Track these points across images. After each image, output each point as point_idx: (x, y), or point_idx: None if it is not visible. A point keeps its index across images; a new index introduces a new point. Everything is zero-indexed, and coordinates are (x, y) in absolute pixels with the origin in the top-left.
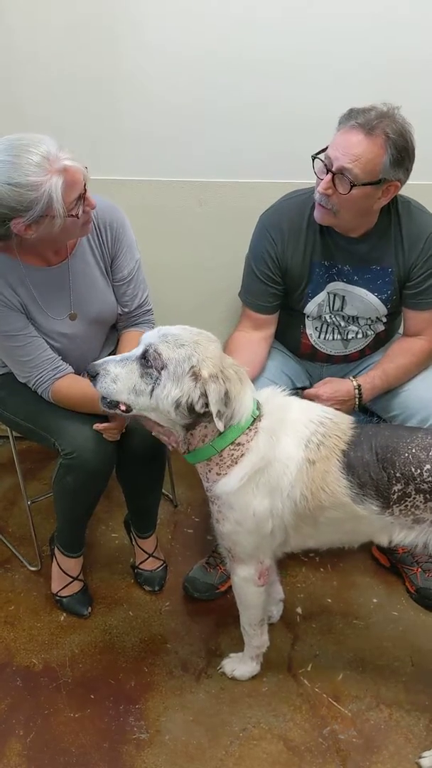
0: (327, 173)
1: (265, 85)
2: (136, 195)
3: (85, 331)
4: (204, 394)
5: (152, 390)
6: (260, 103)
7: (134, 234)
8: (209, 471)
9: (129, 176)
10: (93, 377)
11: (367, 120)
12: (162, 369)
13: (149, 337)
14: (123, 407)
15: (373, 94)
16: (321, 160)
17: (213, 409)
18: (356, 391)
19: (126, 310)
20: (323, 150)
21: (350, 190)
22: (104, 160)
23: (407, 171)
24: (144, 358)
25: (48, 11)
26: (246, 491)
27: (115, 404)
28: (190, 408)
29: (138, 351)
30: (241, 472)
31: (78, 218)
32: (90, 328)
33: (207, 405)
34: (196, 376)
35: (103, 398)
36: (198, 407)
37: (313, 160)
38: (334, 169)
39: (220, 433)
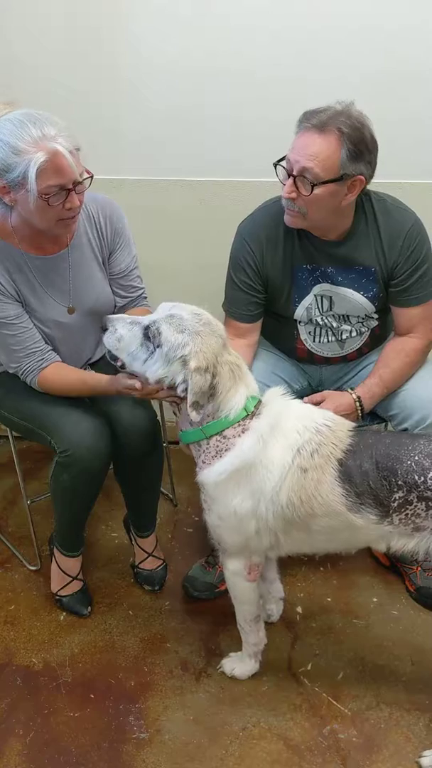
0: (289, 177)
1: (264, 84)
2: (136, 195)
3: (80, 322)
4: (185, 382)
5: (145, 360)
6: (260, 102)
7: (134, 234)
8: (198, 457)
9: (129, 176)
10: (103, 330)
11: (319, 120)
12: (158, 347)
13: (161, 310)
14: (120, 363)
15: (370, 94)
16: (282, 166)
17: (189, 398)
18: (357, 403)
19: (123, 302)
20: (284, 158)
21: (312, 190)
22: (104, 160)
23: (369, 164)
24: (147, 330)
25: (48, 21)
26: (226, 487)
27: (115, 357)
28: (172, 388)
29: (146, 320)
30: (222, 467)
31: (50, 206)
32: (85, 319)
33: (186, 391)
34: (185, 363)
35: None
36: (179, 391)
37: (275, 168)
38: (294, 172)
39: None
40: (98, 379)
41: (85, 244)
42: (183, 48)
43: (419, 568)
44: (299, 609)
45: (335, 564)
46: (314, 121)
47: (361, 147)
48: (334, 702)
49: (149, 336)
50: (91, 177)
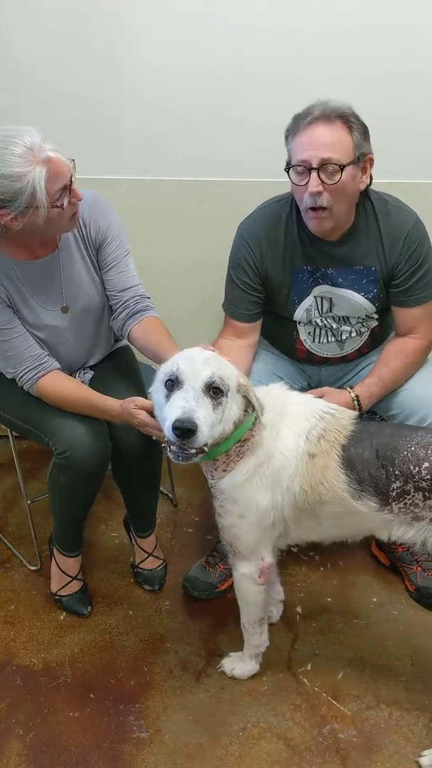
0: (309, 174)
1: (264, 84)
2: (135, 195)
3: (72, 323)
4: (245, 401)
5: (222, 416)
6: (260, 102)
7: (133, 234)
8: (215, 469)
9: (128, 176)
10: (192, 432)
11: (322, 112)
12: (228, 391)
13: (191, 364)
14: (207, 448)
15: (370, 93)
16: (297, 167)
17: (259, 408)
18: (355, 402)
19: (123, 296)
20: (289, 165)
21: (341, 175)
22: (104, 160)
23: (369, 143)
24: (211, 388)
25: (48, 21)
26: (251, 485)
27: (201, 451)
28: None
29: (198, 384)
30: (246, 466)
31: (63, 209)
32: (77, 320)
33: (246, 409)
34: (238, 388)
35: (184, 452)
36: (242, 415)
37: (288, 173)
38: (316, 165)
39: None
40: (109, 405)
41: (72, 244)
42: (183, 49)
43: (419, 568)
44: (299, 609)
45: (335, 564)
46: (316, 113)
47: (363, 127)
48: (334, 702)
49: (217, 390)
50: (73, 161)
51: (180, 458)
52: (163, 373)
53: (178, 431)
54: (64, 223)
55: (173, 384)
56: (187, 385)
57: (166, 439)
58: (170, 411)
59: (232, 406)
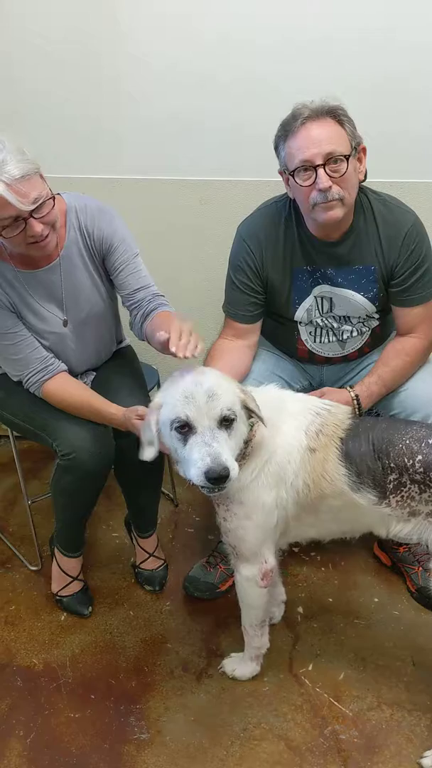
0: (315, 172)
1: (264, 84)
2: (135, 194)
3: (75, 332)
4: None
5: (235, 443)
6: (260, 102)
7: (133, 234)
8: None
9: (128, 175)
10: (226, 477)
11: (312, 111)
12: (237, 415)
13: (196, 405)
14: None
15: (370, 93)
16: (302, 168)
17: (262, 416)
18: (355, 401)
19: (136, 297)
20: (290, 169)
21: (347, 165)
22: (103, 160)
23: (357, 132)
24: (224, 423)
25: (48, 21)
26: (257, 484)
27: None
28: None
29: (212, 423)
30: (251, 466)
31: (6, 238)
32: (80, 329)
33: (250, 418)
34: (241, 402)
35: (219, 488)
36: (248, 426)
37: (293, 177)
38: (322, 161)
39: None
40: (111, 412)
41: (75, 254)
42: (183, 49)
43: (420, 568)
44: (300, 609)
45: (336, 564)
46: (306, 113)
47: (349, 118)
48: (336, 703)
49: (229, 419)
50: (53, 198)
51: (215, 492)
52: (166, 418)
53: (212, 480)
54: (21, 248)
55: (183, 427)
56: (201, 428)
57: (193, 483)
58: (195, 459)
59: (241, 427)
